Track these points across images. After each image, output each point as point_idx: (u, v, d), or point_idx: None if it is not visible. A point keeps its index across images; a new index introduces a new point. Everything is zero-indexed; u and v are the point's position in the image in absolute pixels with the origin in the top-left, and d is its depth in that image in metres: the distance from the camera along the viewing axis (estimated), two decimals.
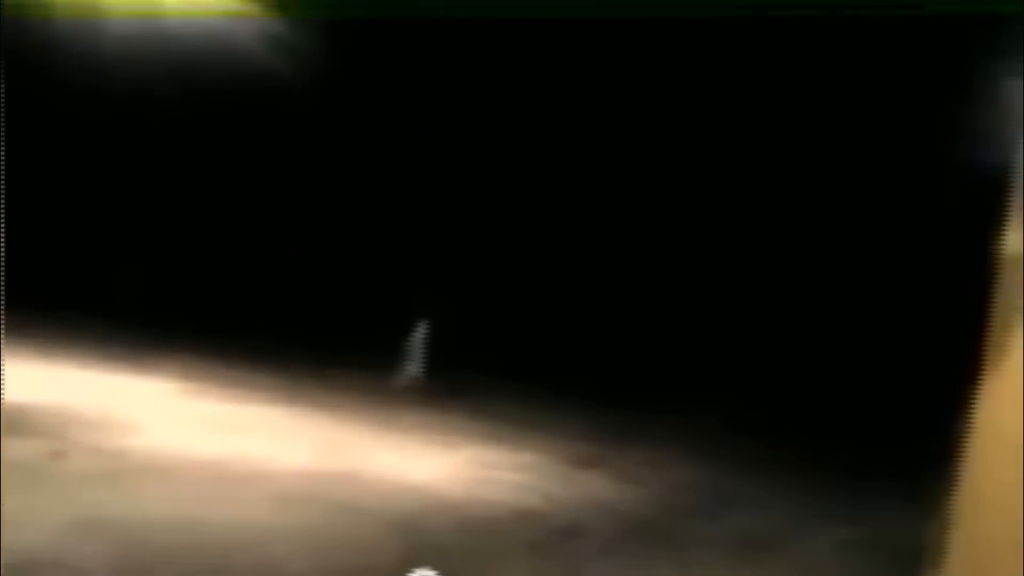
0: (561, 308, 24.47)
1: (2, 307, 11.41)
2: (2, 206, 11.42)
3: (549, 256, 25.26)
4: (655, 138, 23.64)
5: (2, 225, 11.44)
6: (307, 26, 19.56)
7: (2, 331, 11.49)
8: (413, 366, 20.18)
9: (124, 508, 7.97)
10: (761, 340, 22.87)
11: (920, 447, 6.53)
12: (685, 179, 23.89)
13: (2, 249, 11.11)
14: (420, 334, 20.38)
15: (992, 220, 6.51)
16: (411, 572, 5.25)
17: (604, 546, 9.16)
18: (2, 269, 11.46)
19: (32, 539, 6.70)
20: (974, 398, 6.33)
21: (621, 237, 24.94)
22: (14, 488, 7.52)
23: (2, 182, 11.03)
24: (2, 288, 11.41)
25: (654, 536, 10.17)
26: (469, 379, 19.90)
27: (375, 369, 20.03)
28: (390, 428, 14.18)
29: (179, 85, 21.47)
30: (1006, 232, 6.32)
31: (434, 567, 7.48)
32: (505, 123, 24.18)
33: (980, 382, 6.36)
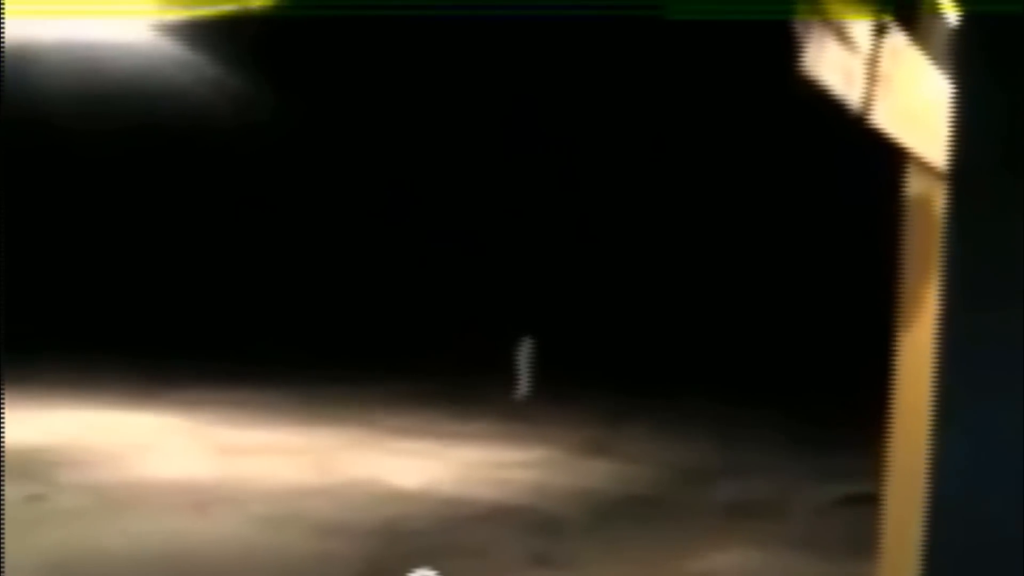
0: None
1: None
2: None
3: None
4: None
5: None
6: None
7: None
8: (521, 383, 19.51)
9: (95, 545, 7.82)
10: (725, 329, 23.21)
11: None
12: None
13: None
14: (525, 351, 19.64)
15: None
16: (411, 572, 5.05)
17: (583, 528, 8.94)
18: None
19: None
20: (896, 347, 6.03)
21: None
22: None
23: None
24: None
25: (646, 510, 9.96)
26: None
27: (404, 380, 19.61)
28: (402, 436, 13.86)
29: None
30: (908, 179, 6.01)
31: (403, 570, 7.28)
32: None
33: (900, 331, 6.05)
